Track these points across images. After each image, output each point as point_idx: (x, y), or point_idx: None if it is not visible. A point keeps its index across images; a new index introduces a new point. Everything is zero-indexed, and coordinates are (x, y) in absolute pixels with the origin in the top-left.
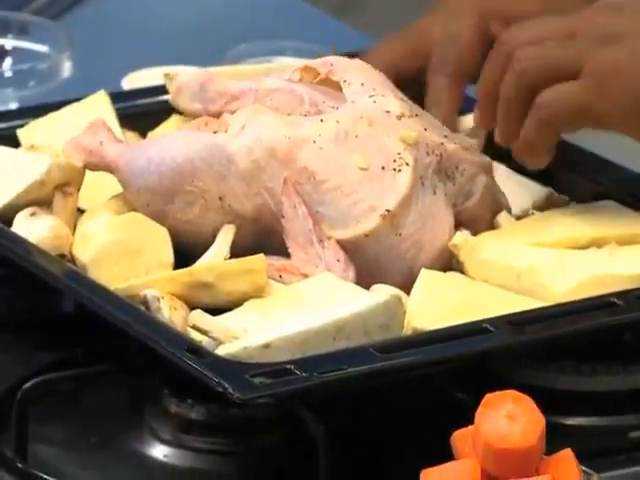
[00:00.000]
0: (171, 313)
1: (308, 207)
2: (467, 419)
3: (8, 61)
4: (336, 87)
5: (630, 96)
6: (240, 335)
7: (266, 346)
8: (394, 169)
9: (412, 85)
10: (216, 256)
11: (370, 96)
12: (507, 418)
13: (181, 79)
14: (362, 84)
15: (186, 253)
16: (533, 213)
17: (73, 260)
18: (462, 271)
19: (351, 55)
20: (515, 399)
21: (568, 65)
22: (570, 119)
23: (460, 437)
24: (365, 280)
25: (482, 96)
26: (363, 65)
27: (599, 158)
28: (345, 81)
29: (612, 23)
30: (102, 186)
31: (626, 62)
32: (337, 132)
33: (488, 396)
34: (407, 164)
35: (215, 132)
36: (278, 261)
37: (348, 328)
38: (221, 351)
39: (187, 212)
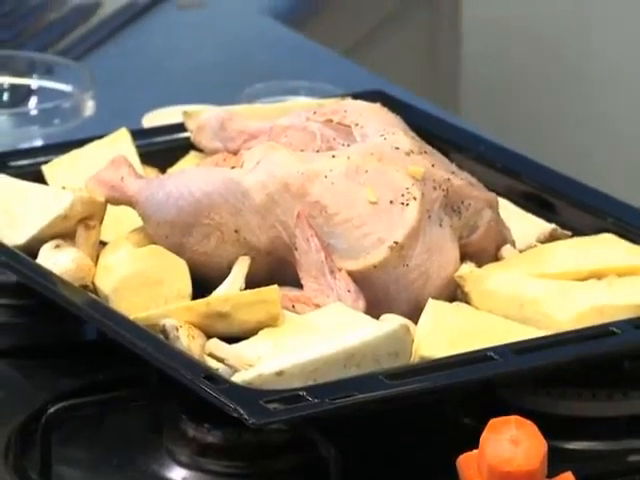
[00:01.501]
0: (189, 341)
1: (320, 239)
2: (472, 443)
3: (34, 100)
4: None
5: None
6: (254, 363)
7: (279, 373)
8: (402, 203)
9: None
10: (232, 287)
11: (380, 135)
12: (510, 442)
13: (202, 118)
14: (374, 126)
15: (203, 284)
16: (536, 246)
17: (95, 290)
18: (467, 301)
19: (366, 95)
20: (518, 424)
21: None
22: None
23: (465, 460)
24: (375, 310)
25: None
26: (377, 108)
27: (602, 194)
28: (357, 124)
29: None
30: (123, 219)
31: None
32: (348, 167)
33: (492, 421)
34: (415, 198)
35: (233, 168)
36: (291, 292)
37: (358, 356)
38: (237, 378)
39: (204, 244)
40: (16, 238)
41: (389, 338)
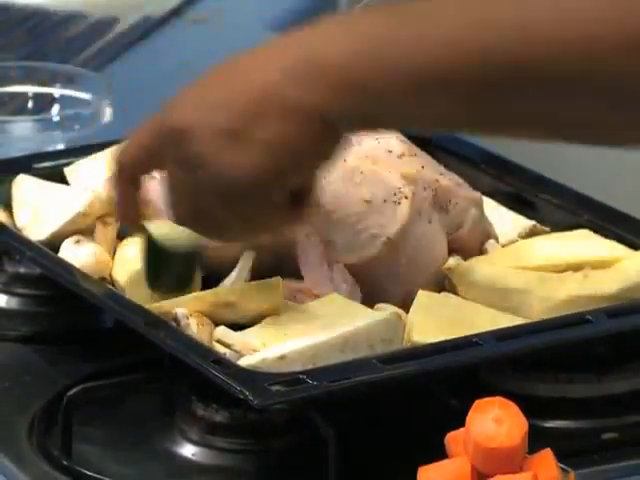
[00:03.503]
0: (198, 329)
1: (319, 236)
2: (459, 422)
3: (56, 107)
4: None
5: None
6: (259, 348)
7: (282, 357)
8: (395, 202)
9: None
10: (238, 279)
11: (375, 139)
12: (494, 421)
13: None
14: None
15: (212, 276)
16: (518, 241)
17: (113, 282)
18: (455, 292)
19: None
20: (501, 405)
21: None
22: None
23: (453, 438)
24: (370, 299)
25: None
26: None
27: (578, 193)
28: None
29: None
30: None
31: None
32: (344, 169)
33: (477, 402)
34: (406, 197)
35: None
36: (293, 283)
37: (354, 341)
38: (243, 362)
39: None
40: (40, 234)
41: (382, 325)
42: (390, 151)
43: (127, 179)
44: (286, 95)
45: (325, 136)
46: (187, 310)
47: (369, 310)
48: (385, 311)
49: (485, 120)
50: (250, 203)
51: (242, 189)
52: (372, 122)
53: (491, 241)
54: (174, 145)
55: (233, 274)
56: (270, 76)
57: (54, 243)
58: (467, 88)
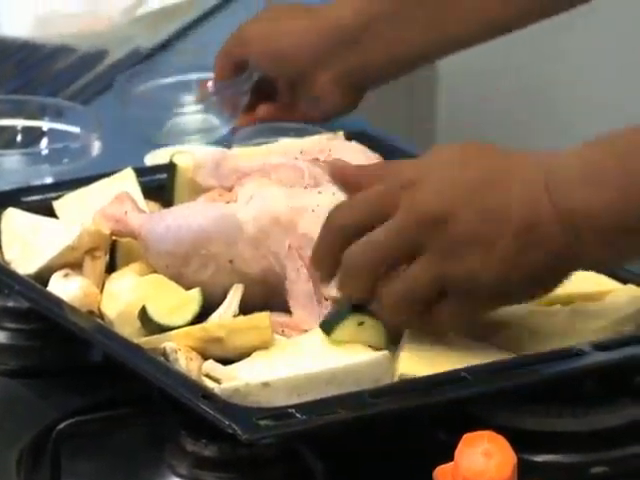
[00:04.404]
0: (187, 363)
1: (308, 270)
2: (448, 456)
3: (44, 141)
4: None
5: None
6: None
7: (266, 384)
8: None
9: None
10: (226, 312)
11: None
12: (483, 455)
13: (199, 158)
14: (356, 164)
15: (201, 309)
16: None
17: (101, 316)
18: None
19: (351, 134)
20: (490, 438)
21: (434, 286)
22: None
23: (442, 472)
24: None
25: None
26: (358, 147)
27: None
28: None
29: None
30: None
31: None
32: (333, 202)
33: (466, 436)
34: None
35: (227, 203)
36: (281, 317)
37: (341, 377)
38: (225, 386)
39: (201, 273)
40: (28, 267)
41: (372, 365)
42: None
43: (338, 241)
44: (552, 233)
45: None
46: (176, 344)
47: (359, 347)
48: (376, 351)
49: None
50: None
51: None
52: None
53: None
54: (435, 231)
55: (221, 308)
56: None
57: (43, 277)
58: None
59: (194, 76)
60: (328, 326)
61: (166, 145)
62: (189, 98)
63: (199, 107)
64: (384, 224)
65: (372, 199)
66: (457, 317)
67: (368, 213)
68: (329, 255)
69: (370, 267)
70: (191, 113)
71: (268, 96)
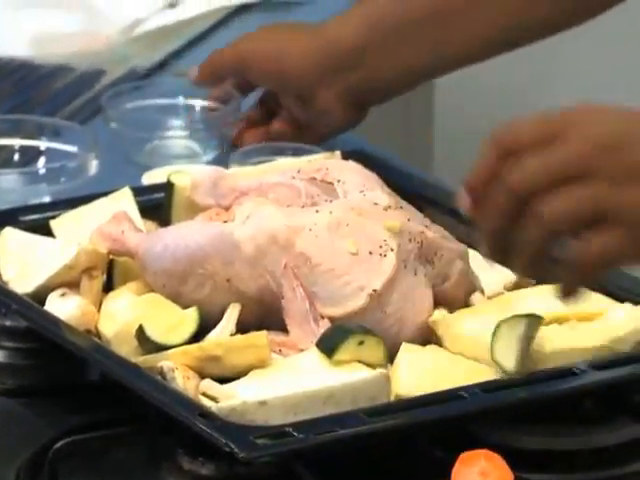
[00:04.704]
0: (184, 382)
1: (305, 289)
2: (445, 475)
3: (42, 160)
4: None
5: None
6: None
7: (262, 403)
8: (380, 254)
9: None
10: (223, 331)
11: (360, 191)
12: (480, 474)
13: (196, 177)
14: (354, 182)
15: (198, 328)
16: (503, 293)
17: (98, 335)
18: (440, 344)
19: (348, 154)
20: (487, 457)
21: (596, 213)
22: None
23: None
24: None
25: (494, 243)
26: (355, 166)
27: None
28: (339, 181)
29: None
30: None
31: None
32: (330, 221)
33: (463, 455)
34: (392, 249)
35: (225, 222)
36: (278, 336)
37: (338, 396)
38: (222, 404)
39: (198, 292)
40: (26, 286)
41: (369, 384)
42: (376, 203)
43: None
44: None
45: None
46: (173, 363)
47: (357, 365)
48: (373, 370)
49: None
50: None
51: None
52: None
53: (477, 293)
54: (611, 157)
55: (219, 327)
56: None
57: (40, 296)
58: None
59: (182, 100)
60: (329, 348)
61: (150, 167)
62: (176, 122)
63: (184, 132)
64: (559, 147)
65: (541, 130)
66: (608, 250)
67: (542, 134)
68: (490, 174)
69: (540, 179)
70: (175, 137)
71: (272, 111)
